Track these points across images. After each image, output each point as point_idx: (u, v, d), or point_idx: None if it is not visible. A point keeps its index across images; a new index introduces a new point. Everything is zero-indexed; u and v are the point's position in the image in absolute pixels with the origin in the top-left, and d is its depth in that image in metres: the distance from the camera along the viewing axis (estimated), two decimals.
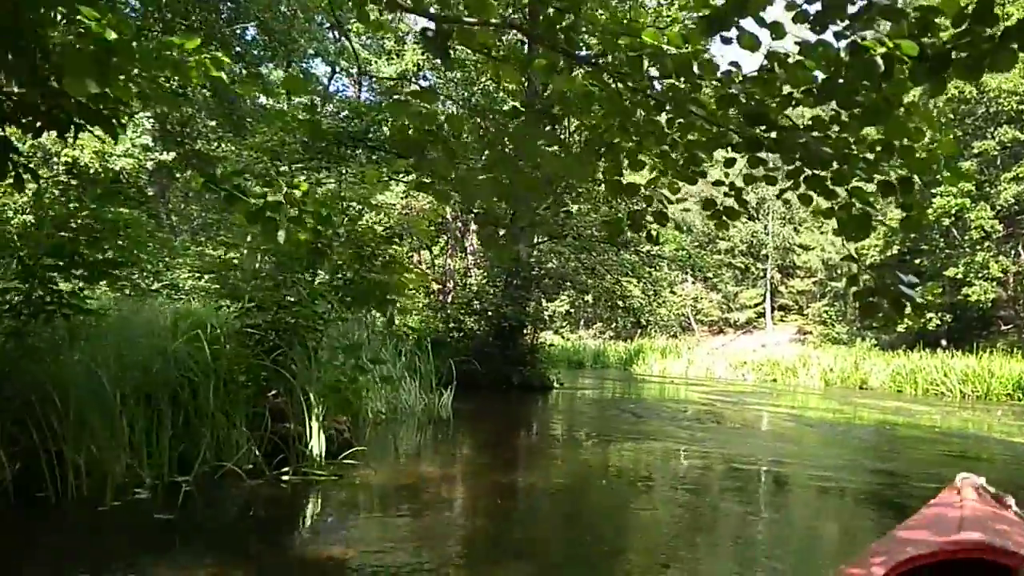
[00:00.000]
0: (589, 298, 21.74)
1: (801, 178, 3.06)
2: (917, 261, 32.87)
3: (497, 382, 14.75)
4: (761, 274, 43.91)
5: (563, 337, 40.51)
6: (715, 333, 44.22)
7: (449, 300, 16.98)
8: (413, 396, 9.58)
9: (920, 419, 14.52)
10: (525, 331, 15.34)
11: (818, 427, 11.79)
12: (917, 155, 3.14)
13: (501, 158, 3.25)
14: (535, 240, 14.93)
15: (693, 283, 44.71)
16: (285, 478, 5.13)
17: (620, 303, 17.03)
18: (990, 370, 23.33)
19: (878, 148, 3.07)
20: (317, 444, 5.46)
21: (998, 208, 30.18)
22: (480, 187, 3.21)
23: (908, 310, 2.98)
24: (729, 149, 3.20)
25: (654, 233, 3.89)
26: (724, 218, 3.58)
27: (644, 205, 3.53)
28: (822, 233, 39.32)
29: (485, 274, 16.29)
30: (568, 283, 16.93)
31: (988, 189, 30.40)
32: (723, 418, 12.87)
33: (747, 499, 6.26)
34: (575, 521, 5.16)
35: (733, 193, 3.44)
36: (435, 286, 21.88)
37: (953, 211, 30.06)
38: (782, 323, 42.97)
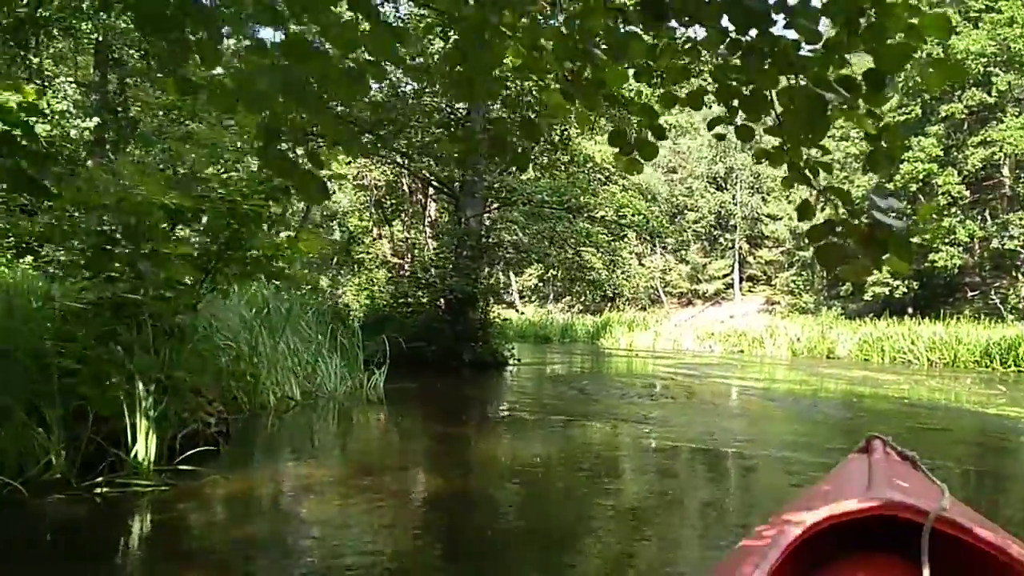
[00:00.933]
0: (554, 272, 20.71)
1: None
2: None
3: (447, 360, 13.76)
4: (729, 245, 43.19)
5: (518, 312, 39.75)
6: (684, 305, 43.52)
7: (405, 274, 15.85)
8: (335, 378, 8.53)
9: (887, 389, 13.75)
10: (478, 305, 14.31)
11: (782, 401, 10.91)
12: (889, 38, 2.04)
13: None
14: (484, 208, 13.89)
15: (662, 255, 43.93)
16: (100, 490, 4.06)
17: (579, 274, 16.05)
18: (957, 337, 22.77)
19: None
20: (144, 446, 4.31)
21: (965, 173, 29.54)
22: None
23: (887, 255, 1.95)
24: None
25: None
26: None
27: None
28: (789, 202, 38.62)
29: (438, 245, 15.20)
30: (525, 254, 15.90)
31: (955, 154, 29.72)
32: (684, 394, 11.99)
33: (702, 485, 5.35)
34: (498, 531, 4.07)
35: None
36: (395, 260, 20.76)
37: (920, 176, 29.40)
38: (751, 294, 42.36)
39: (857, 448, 2.45)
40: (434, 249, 14.86)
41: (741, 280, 42.59)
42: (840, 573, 1.71)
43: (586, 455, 6.27)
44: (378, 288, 15.92)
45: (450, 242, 14.24)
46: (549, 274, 35.52)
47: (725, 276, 43.01)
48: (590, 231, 13.23)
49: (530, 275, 42.49)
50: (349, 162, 21.20)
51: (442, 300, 14.26)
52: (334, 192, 30.23)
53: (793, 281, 38.30)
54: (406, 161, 13.34)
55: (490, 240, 14.29)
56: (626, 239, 14.61)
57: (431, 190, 17.38)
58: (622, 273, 16.87)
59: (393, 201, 22.00)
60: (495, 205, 13.70)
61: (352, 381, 8.99)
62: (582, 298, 41.20)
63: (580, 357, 21.10)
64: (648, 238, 13.21)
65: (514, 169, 14.10)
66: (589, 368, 17.51)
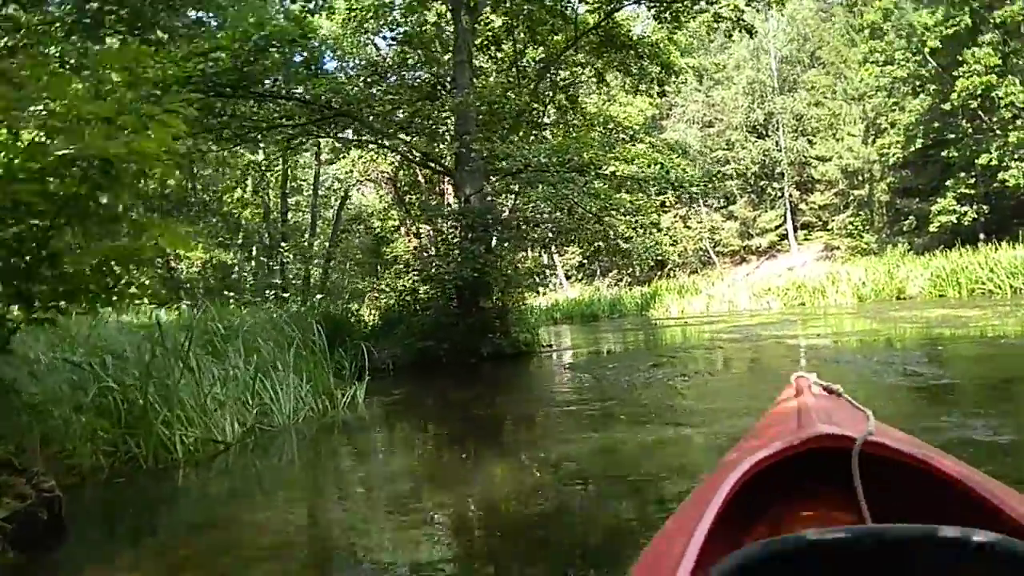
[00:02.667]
0: (577, 246, 18.82)
1: None
2: (944, 153, 29.32)
3: (463, 356, 12.14)
4: (778, 194, 40.47)
5: (559, 293, 37.83)
6: (737, 263, 41.02)
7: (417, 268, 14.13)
8: (290, 403, 6.93)
9: (974, 328, 11.60)
10: (492, 292, 12.62)
11: (852, 360, 8.86)
12: None
13: None
14: (486, 184, 12.15)
15: (707, 213, 41.52)
16: None
17: (606, 244, 14.20)
18: None
19: None
20: None
21: None
22: None
23: None
24: None
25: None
26: None
27: None
28: (837, 140, 35.81)
29: (435, 231, 13.49)
30: (540, 228, 14.12)
31: (1015, 61, 26.64)
32: (735, 365, 10.13)
33: None
34: None
35: None
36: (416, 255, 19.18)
37: (979, 91, 26.45)
38: (807, 242, 39.60)
39: (784, 389, 2.31)
40: (436, 236, 13.16)
41: (795, 229, 39.87)
42: (782, 511, 1.69)
43: (607, 484, 4.51)
44: (389, 288, 14.34)
45: (454, 225, 12.56)
46: (577, 249, 33.68)
47: (778, 227, 40.32)
48: (607, 193, 11.39)
49: (573, 253, 40.61)
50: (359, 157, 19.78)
51: (451, 291, 12.64)
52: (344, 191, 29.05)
53: (851, 223, 35.45)
54: (387, 140, 11.68)
55: (495, 218, 12.52)
56: (647, 196, 12.65)
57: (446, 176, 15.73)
58: (650, 238, 14.81)
59: (416, 195, 20.42)
60: (495, 178, 11.95)
61: (319, 403, 7.39)
62: (629, 270, 39.08)
63: (623, 333, 19.21)
64: (673, 191, 11.22)
65: (517, 136, 12.37)
66: (630, 345, 15.64)
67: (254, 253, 30.91)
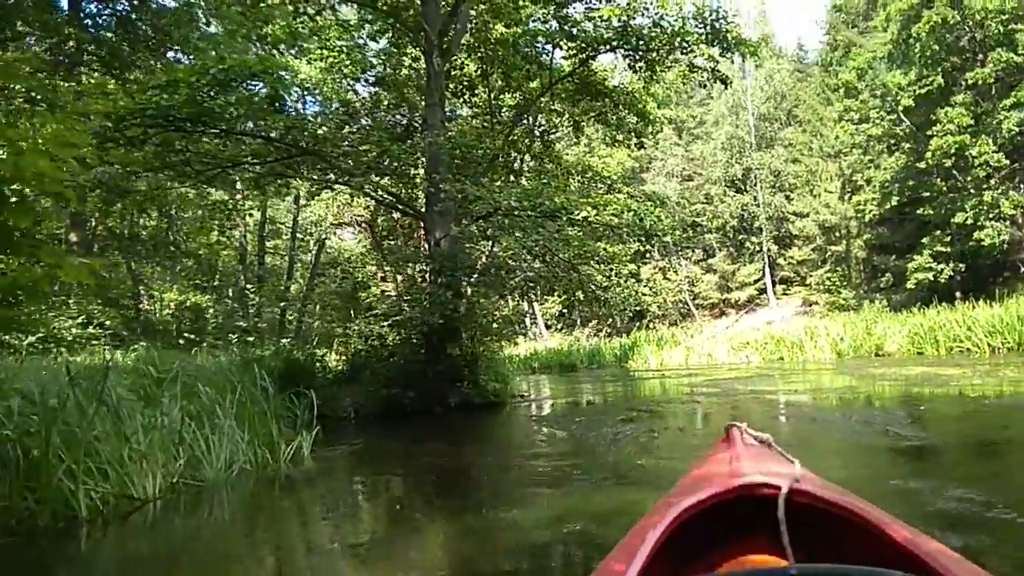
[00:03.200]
0: (553, 292, 18.35)
1: None
2: (919, 211, 29.38)
3: (430, 406, 11.58)
4: (757, 248, 40.47)
5: (525, 340, 37.24)
6: (716, 316, 40.79)
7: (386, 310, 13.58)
8: (226, 453, 6.33)
9: (957, 386, 11.18)
10: (460, 339, 12.11)
11: (831, 421, 8.38)
12: None
13: None
14: (454, 227, 11.73)
15: (687, 265, 41.39)
16: None
17: (578, 292, 13.75)
18: (1019, 317, 19.96)
19: None
20: None
21: (1001, 141, 26.65)
22: None
23: None
24: None
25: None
26: None
27: None
28: (814, 196, 35.94)
29: (414, 276, 13.01)
30: (515, 275, 13.68)
31: (988, 121, 26.86)
32: (707, 424, 9.61)
33: None
34: None
35: None
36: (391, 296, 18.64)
37: (953, 150, 26.58)
38: (785, 296, 39.50)
39: (718, 440, 2.31)
40: (401, 281, 12.67)
41: (774, 284, 39.79)
42: (714, 554, 1.73)
43: (554, 558, 3.97)
44: (358, 333, 13.78)
45: (423, 269, 12.10)
46: (556, 298, 33.39)
47: (756, 281, 40.26)
48: (580, 240, 10.99)
49: (552, 303, 40.23)
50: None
51: (418, 338, 12.12)
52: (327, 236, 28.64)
53: (829, 278, 35.38)
54: (356, 181, 11.24)
55: (469, 263, 12.08)
56: (621, 243, 12.27)
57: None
58: (626, 287, 14.38)
59: (392, 240, 20.00)
60: (465, 222, 11.53)
61: (259, 455, 6.79)
62: (609, 321, 38.69)
63: (600, 384, 18.67)
64: (646, 239, 10.84)
65: (489, 180, 12.01)
66: (606, 397, 15.10)
67: (228, 295, 30.30)
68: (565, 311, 42.16)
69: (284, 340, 16.23)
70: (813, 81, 39.25)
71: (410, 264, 12.66)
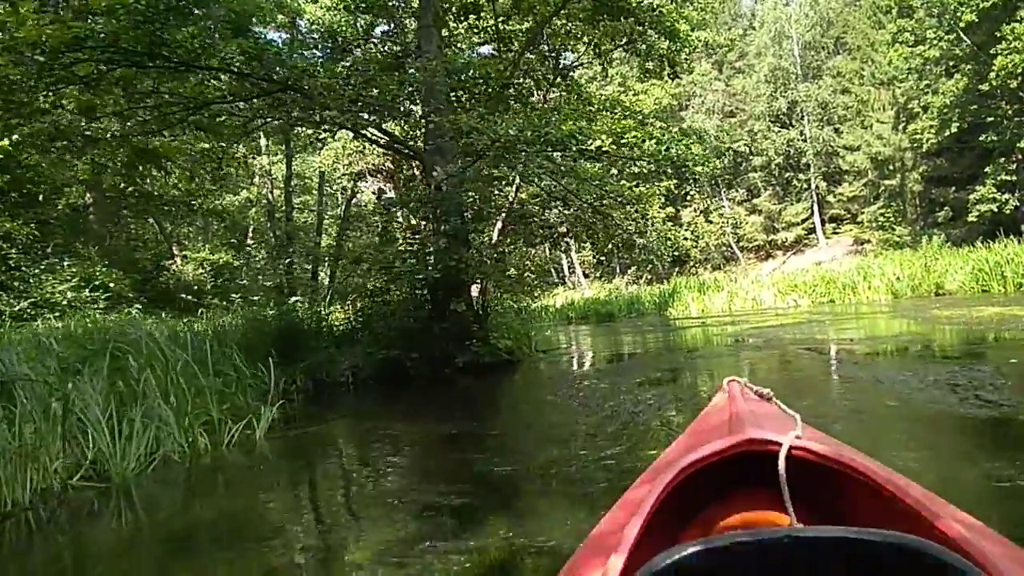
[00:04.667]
0: (581, 243, 16.77)
1: None
2: (982, 138, 26.83)
3: (436, 368, 10.29)
4: (804, 186, 38.06)
5: (560, 290, 35.64)
6: (762, 259, 38.69)
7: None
8: (144, 443, 5.07)
9: None
10: (474, 293, 10.75)
11: (900, 381, 6.68)
12: None
13: None
14: (458, 165, 10.24)
15: (730, 206, 39.24)
16: None
17: (602, 235, 12.22)
18: None
19: None
20: None
21: None
22: None
23: None
24: None
25: None
26: None
27: None
28: (866, 128, 33.33)
29: (416, 224, 11.56)
30: (530, 221, 12.23)
31: None
32: (754, 378, 8.10)
33: None
34: None
35: None
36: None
37: (1020, 70, 23.95)
38: (835, 236, 37.16)
39: (717, 394, 2.30)
40: (401, 229, 11.24)
41: (823, 222, 37.45)
42: (713, 513, 1.69)
43: None
44: (364, 290, 12.49)
45: (427, 214, 10.67)
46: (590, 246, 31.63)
47: (804, 221, 37.94)
48: (598, 176, 9.43)
49: (590, 251, 38.64)
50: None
51: (422, 293, 10.80)
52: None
53: (882, 214, 32.96)
54: (340, 119, 9.76)
55: (473, 207, 10.63)
56: (644, 179, 10.67)
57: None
58: (653, 230, 12.71)
59: (412, 189, 18.55)
60: (468, 159, 10.01)
61: (192, 441, 5.54)
62: (648, 268, 36.89)
63: (635, 335, 17.19)
64: (673, 169, 9.23)
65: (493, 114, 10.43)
66: (637, 349, 13.63)
67: (250, 254, 29.42)
68: (603, 259, 40.46)
69: (294, 299, 14.99)
70: (863, 3, 36.16)
71: (403, 209, 11.26)
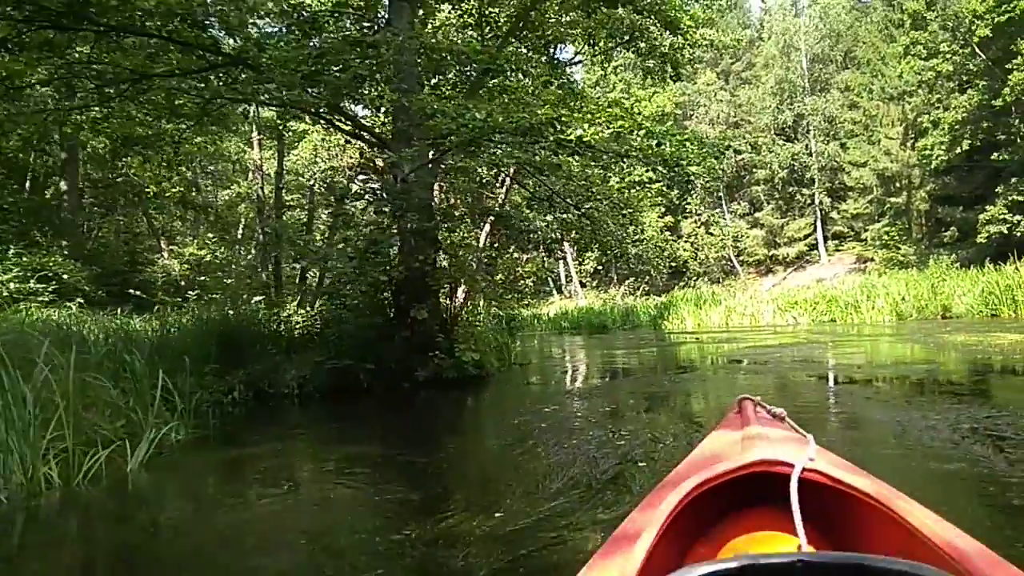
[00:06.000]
0: (586, 245, 15.59)
1: None
2: (993, 156, 25.66)
3: (395, 380, 9.11)
4: (808, 201, 36.88)
5: (556, 298, 34.43)
6: (762, 274, 37.49)
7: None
8: None
9: None
10: (443, 299, 9.58)
11: (914, 419, 5.52)
12: None
13: None
14: (429, 153, 9.07)
15: (731, 219, 38.05)
16: None
17: (589, 239, 11.04)
18: None
19: None
20: None
21: None
22: None
23: None
24: None
25: None
26: None
27: None
28: (873, 143, 32.14)
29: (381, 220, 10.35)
30: (510, 223, 11.06)
31: None
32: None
33: None
34: None
35: None
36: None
37: None
38: (838, 253, 35.97)
39: (730, 411, 2.26)
40: (368, 226, 10.04)
41: (825, 239, 36.26)
42: (721, 531, 1.67)
43: None
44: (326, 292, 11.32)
45: (392, 209, 9.48)
46: (607, 256, 30.35)
47: (807, 236, 36.76)
48: (581, 170, 8.28)
49: (587, 259, 37.45)
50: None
51: (386, 296, 9.62)
52: None
53: (887, 232, 31.74)
54: (293, 98, 8.58)
55: (445, 204, 9.46)
56: (638, 183, 9.52)
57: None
58: (654, 238, 11.51)
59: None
60: (437, 150, 8.82)
61: (36, 474, 4.36)
62: (646, 279, 35.68)
63: (625, 350, 15.99)
64: (664, 167, 8.07)
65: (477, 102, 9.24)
66: (622, 367, 12.42)
67: (239, 252, 28.27)
68: (601, 268, 39.29)
69: (256, 299, 13.80)
70: (874, 16, 35.00)
71: (358, 204, 10.11)
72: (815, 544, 1.45)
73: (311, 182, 28.52)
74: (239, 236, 30.82)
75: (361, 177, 10.58)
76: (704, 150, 8.41)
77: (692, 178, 7.95)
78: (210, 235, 29.98)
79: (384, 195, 9.07)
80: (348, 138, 12.04)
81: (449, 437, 6.40)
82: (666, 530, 1.38)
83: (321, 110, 9.45)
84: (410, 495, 4.20)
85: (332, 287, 11.04)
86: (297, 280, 27.43)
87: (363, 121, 10.40)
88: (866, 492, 1.44)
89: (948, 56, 25.96)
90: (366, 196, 9.72)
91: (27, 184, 20.00)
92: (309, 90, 8.57)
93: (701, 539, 1.65)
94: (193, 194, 31.70)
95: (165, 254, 28.33)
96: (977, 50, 25.28)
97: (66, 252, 15.59)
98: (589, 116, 7.67)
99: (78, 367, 6.09)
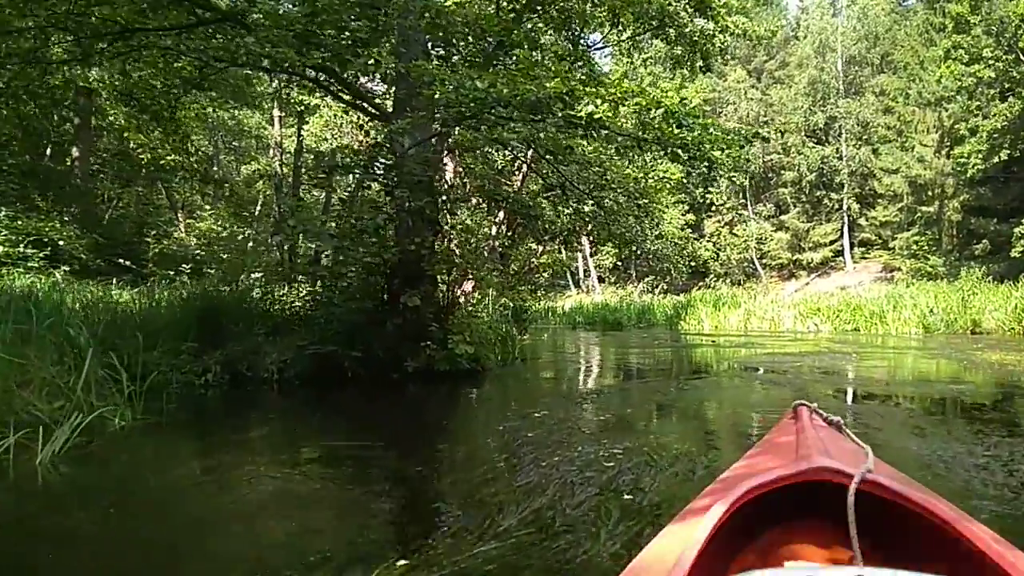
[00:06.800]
0: (600, 237, 14.78)
1: None
2: None
3: (384, 371, 8.42)
4: (836, 206, 35.71)
5: (573, 292, 33.56)
6: (785, 278, 36.42)
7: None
8: None
9: None
10: (426, 285, 8.85)
11: (948, 446, 4.77)
12: None
13: None
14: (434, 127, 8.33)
15: (756, 220, 36.99)
16: None
17: (599, 229, 10.25)
18: None
19: None
20: None
21: None
22: None
23: None
24: None
25: None
26: None
27: None
28: (906, 150, 30.94)
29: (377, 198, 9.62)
30: (524, 208, 10.29)
31: None
32: (747, 442, 6.14)
33: None
34: None
35: None
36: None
37: None
38: (864, 260, 34.83)
39: (785, 417, 2.22)
40: (366, 206, 9.32)
41: (852, 245, 35.12)
42: (773, 540, 1.61)
43: None
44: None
45: (385, 185, 8.77)
46: (628, 252, 29.44)
47: (833, 242, 35.63)
48: (596, 151, 7.50)
49: (606, 254, 36.59)
50: None
51: (380, 279, 8.91)
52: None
53: (916, 242, 30.57)
54: (285, 63, 7.86)
55: (448, 183, 8.72)
56: (653, 170, 8.73)
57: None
58: (674, 233, 10.71)
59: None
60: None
61: None
62: (667, 277, 34.77)
63: (638, 349, 15.19)
64: (684, 153, 7.27)
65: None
66: (632, 369, 11.64)
67: (254, 228, 27.79)
68: (620, 264, 38.41)
69: (255, 275, 13.15)
70: (914, 19, 33.70)
71: (364, 176, 9.37)
72: (869, 559, 1.41)
73: (325, 159, 27.94)
74: (256, 213, 30.40)
75: (357, 149, 9.87)
76: (729, 136, 7.60)
77: (715, 164, 7.13)
78: (225, 211, 29.53)
79: (373, 169, 8.35)
80: (348, 108, 11.32)
81: (420, 441, 5.67)
82: (715, 534, 1.32)
83: (320, 77, 8.72)
84: (334, 507, 3.47)
85: (326, 268, 10.40)
86: (312, 260, 26.89)
87: (366, 93, 9.67)
88: (928, 509, 1.37)
89: (991, 62, 24.75)
90: (356, 170, 8.99)
91: (47, 152, 19.55)
92: (305, 52, 7.84)
93: (749, 545, 1.60)
94: (214, 169, 31.28)
95: (182, 227, 27.94)
96: (1022, 56, 24.06)
97: (69, 219, 15.05)
98: (603, 92, 6.88)
99: (21, 340, 5.46)
